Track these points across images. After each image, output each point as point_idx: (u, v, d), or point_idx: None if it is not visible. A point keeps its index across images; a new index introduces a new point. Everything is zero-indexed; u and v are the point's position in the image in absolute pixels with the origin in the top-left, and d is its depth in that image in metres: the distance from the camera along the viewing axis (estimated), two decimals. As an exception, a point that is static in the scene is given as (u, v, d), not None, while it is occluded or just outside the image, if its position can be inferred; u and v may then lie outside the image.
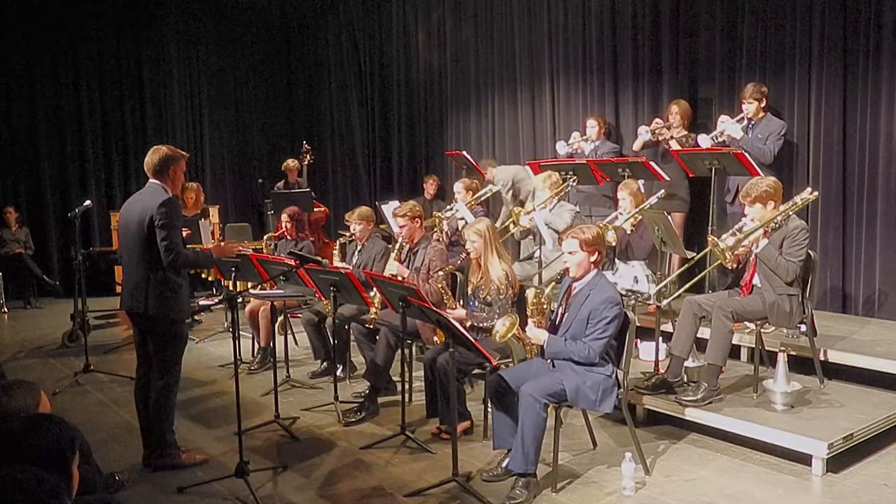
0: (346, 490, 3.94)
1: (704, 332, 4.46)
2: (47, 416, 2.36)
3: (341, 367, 5.63)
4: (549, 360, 3.94)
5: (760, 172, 5.18)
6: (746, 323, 4.61)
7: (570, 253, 3.86)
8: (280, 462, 4.27)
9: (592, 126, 7.01)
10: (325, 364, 5.86)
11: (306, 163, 9.10)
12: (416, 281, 5.04)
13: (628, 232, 5.62)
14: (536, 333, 3.87)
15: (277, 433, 4.71)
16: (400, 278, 4.94)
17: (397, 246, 5.41)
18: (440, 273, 4.82)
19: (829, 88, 5.78)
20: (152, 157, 4.12)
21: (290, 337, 6.19)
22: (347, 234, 5.94)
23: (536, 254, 5.88)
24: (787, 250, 4.36)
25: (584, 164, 6.20)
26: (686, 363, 4.57)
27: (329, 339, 5.69)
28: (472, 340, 3.76)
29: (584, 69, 7.66)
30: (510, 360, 4.33)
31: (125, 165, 10.69)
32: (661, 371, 4.70)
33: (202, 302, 8.18)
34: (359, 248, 5.81)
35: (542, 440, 3.68)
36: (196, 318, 7.91)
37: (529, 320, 3.91)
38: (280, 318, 6.01)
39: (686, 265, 5.26)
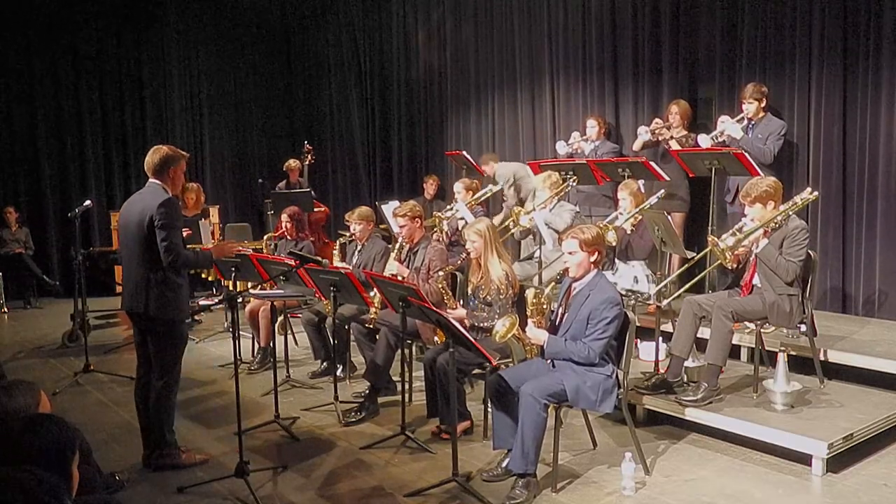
0: (346, 490, 3.94)
1: (704, 332, 4.46)
2: (47, 416, 2.36)
3: (341, 367, 5.62)
4: (549, 361, 3.94)
5: (760, 172, 5.18)
6: (746, 323, 4.61)
7: (569, 253, 3.86)
8: (280, 462, 4.26)
9: (592, 126, 7.01)
10: (325, 364, 5.85)
11: (307, 163, 9.10)
12: (416, 281, 5.04)
13: (628, 232, 5.62)
14: (536, 333, 3.87)
15: (277, 433, 4.71)
16: (400, 278, 4.94)
17: (397, 246, 5.41)
18: (440, 273, 4.81)
19: (829, 89, 5.78)
20: (152, 156, 4.12)
21: (290, 337, 6.19)
22: (347, 234, 5.94)
23: (536, 254, 5.87)
24: (787, 250, 4.36)
25: (584, 164, 6.20)
26: (686, 363, 4.57)
27: (329, 339, 5.68)
28: (472, 340, 3.76)
29: (584, 69, 7.66)
30: (510, 360, 4.33)
31: (125, 165, 10.70)
32: (661, 371, 4.70)
33: (202, 302, 8.19)
34: (359, 248, 5.80)
35: (542, 440, 3.68)
36: (196, 318, 7.90)
37: (529, 320, 3.91)
38: (280, 318, 6.01)
39: (686, 265, 5.27)
